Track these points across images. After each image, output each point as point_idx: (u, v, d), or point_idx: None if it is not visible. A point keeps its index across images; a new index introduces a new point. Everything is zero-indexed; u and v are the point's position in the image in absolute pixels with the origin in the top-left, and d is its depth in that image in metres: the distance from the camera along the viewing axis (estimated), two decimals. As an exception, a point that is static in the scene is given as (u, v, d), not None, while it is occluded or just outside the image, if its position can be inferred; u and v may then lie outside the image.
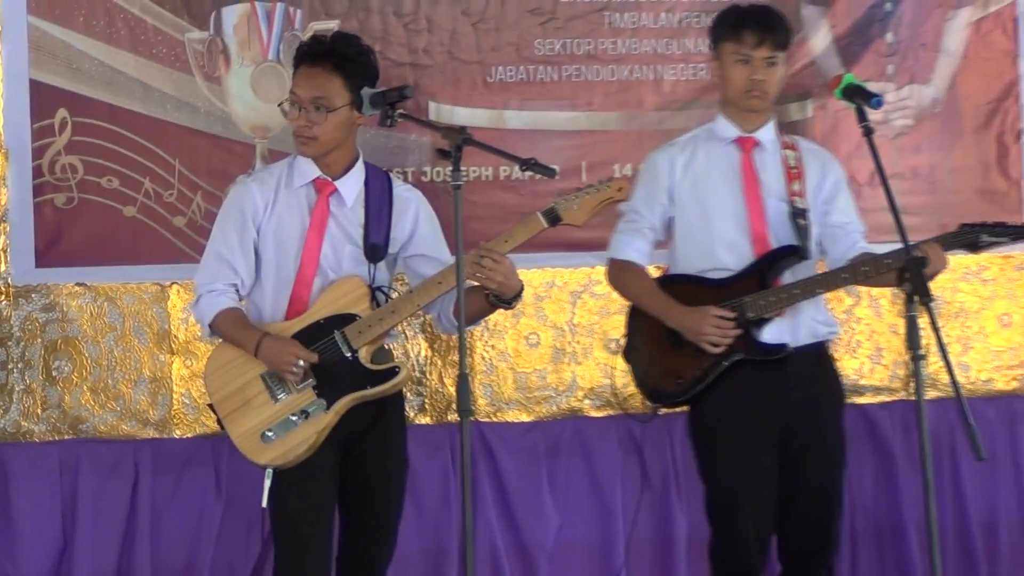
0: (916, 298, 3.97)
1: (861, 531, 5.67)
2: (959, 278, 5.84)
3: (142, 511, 5.19)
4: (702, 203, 4.56)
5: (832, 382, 4.63)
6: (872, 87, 4.49)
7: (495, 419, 5.49)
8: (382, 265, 4.34)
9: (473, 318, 4.34)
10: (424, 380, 5.44)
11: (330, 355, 4.22)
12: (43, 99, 5.20)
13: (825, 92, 5.59)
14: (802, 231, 4.52)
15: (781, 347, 4.48)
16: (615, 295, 4.80)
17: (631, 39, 5.63)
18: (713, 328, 4.44)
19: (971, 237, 4.45)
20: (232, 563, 5.22)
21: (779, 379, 4.48)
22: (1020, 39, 5.95)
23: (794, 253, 4.50)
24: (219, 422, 4.30)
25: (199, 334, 5.10)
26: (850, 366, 5.71)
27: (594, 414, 5.47)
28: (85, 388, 5.21)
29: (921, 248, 4.20)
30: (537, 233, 4.23)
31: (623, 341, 4.70)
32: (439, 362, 5.46)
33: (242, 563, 5.18)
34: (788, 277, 4.51)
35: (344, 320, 4.24)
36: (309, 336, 4.23)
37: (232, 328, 4.30)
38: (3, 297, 5.18)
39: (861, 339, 5.79)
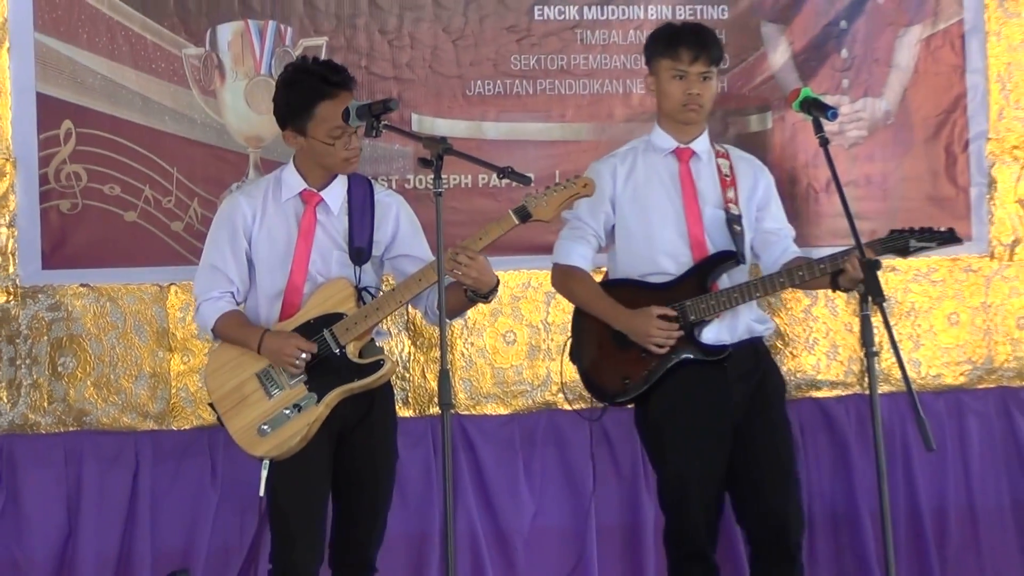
0: (870, 298, 4.04)
1: (818, 517, 5.71)
2: (910, 279, 5.93)
3: (142, 498, 5.24)
4: (643, 211, 4.57)
5: (771, 370, 4.65)
6: (828, 100, 4.63)
7: (474, 412, 5.54)
8: (368, 267, 4.40)
9: (455, 312, 4.35)
10: (407, 375, 5.46)
11: (320, 351, 4.29)
12: (49, 111, 5.23)
13: (784, 105, 5.69)
14: (737, 236, 4.53)
15: (723, 347, 4.51)
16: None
17: (602, 55, 5.68)
18: (658, 330, 4.44)
19: (901, 242, 4.45)
20: (227, 546, 5.25)
21: (721, 375, 4.49)
22: (967, 55, 6.02)
23: (731, 258, 4.52)
24: (219, 419, 4.39)
25: (196, 332, 5.19)
26: (807, 362, 5.80)
27: (567, 407, 5.28)
28: (88, 383, 5.27)
29: (849, 256, 4.24)
30: (509, 229, 4.24)
31: (569, 343, 4.68)
32: (421, 358, 5.50)
33: (236, 546, 5.19)
34: (725, 280, 4.53)
35: (332, 319, 4.31)
36: (301, 334, 4.31)
37: (234, 329, 4.38)
38: (12, 297, 5.22)
39: (818, 336, 5.85)
